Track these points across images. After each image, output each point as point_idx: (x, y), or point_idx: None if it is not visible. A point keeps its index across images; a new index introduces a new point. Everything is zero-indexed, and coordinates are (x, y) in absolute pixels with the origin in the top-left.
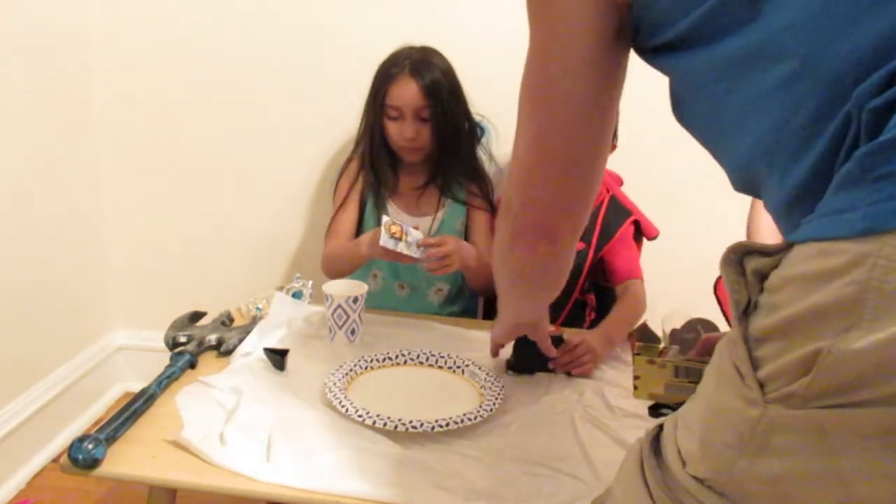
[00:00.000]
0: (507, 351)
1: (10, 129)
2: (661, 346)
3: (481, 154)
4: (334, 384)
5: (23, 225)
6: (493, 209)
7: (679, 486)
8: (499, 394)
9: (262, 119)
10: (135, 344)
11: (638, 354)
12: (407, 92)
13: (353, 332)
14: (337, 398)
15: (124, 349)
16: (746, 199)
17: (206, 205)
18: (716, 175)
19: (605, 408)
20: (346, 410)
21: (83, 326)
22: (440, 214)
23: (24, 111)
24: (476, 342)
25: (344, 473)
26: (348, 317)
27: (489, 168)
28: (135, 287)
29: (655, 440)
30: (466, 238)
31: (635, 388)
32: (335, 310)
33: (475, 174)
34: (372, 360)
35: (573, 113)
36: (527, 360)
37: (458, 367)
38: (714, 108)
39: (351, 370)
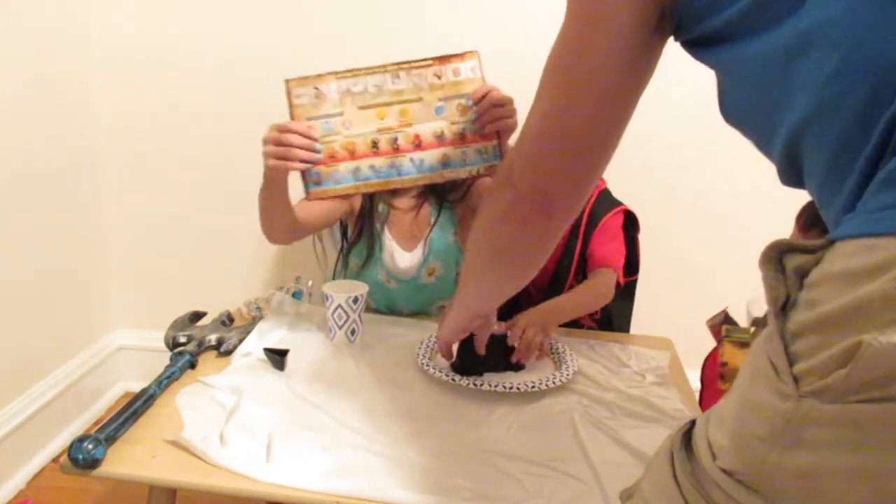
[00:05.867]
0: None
1: (9, 129)
2: (753, 328)
3: None
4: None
5: (23, 225)
6: None
7: (708, 479)
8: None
9: (262, 119)
10: (135, 344)
11: (727, 337)
12: None
13: (353, 332)
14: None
15: (124, 349)
16: (742, 200)
17: (205, 205)
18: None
19: (605, 408)
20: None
21: (83, 326)
22: (431, 234)
23: (24, 112)
24: None
25: (344, 473)
26: (348, 317)
27: None
28: (135, 287)
29: (686, 435)
30: (464, 241)
31: (721, 377)
32: (335, 310)
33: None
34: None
35: (598, 96)
36: (473, 361)
37: None
38: (761, 99)
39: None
